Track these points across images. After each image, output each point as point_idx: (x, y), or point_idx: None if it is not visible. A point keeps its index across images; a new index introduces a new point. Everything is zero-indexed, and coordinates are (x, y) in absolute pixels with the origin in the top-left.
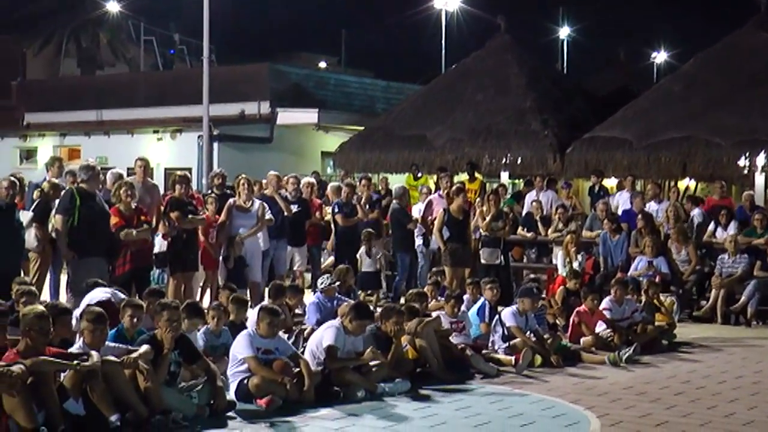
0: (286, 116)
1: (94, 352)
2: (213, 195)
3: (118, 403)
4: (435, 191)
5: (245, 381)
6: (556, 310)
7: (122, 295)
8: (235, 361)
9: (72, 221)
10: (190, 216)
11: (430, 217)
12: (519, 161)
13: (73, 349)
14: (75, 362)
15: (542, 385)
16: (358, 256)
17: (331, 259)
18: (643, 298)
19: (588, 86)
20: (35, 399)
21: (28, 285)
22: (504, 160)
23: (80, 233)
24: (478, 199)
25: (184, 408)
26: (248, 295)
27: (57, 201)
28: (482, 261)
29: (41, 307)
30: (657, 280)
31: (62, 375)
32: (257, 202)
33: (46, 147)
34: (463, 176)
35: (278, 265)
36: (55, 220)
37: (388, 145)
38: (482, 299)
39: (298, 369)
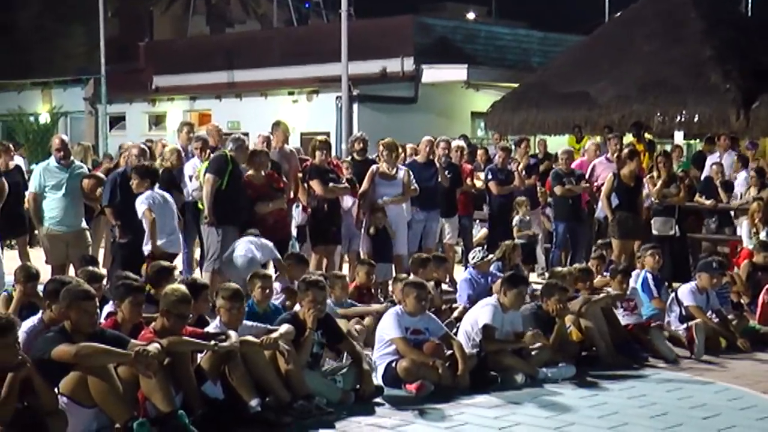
0: (432, 74)
1: (232, 332)
2: (349, 160)
3: (258, 386)
4: (600, 154)
5: (393, 364)
6: (742, 287)
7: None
8: (382, 343)
9: (221, 185)
10: (331, 185)
11: (595, 183)
12: (696, 119)
13: (210, 329)
14: (213, 343)
15: (727, 373)
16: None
17: (484, 230)
18: None
19: None
20: (173, 381)
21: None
22: (678, 118)
23: (225, 199)
24: (651, 163)
25: (328, 393)
26: (392, 269)
27: (184, 169)
28: (654, 232)
29: (184, 289)
30: None
31: (199, 356)
32: (402, 169)
33: (175, 111)
34: (630, 137)
35: (427, 238)
36: (205, 180)
37: (546, 104)
38: (642, 271)
39: (450, 351)
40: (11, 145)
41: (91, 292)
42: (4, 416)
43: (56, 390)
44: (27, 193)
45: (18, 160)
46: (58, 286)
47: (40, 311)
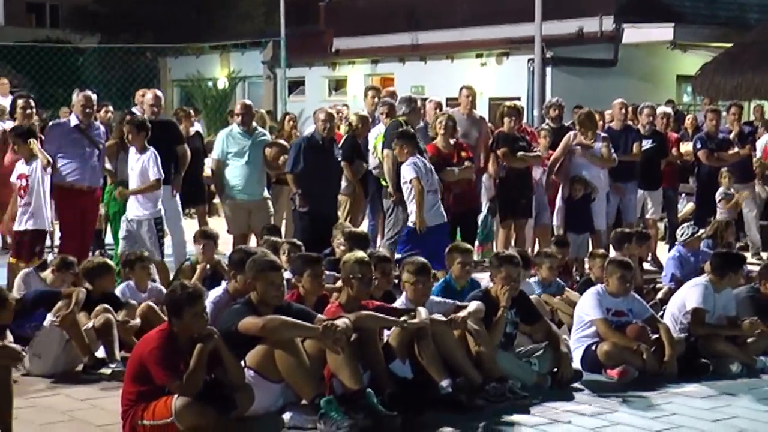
0: (634, 33)
1: (421, 309)
2: (547, 128)
3: (448, 367)
4: None
5: (593, 347)
6: None
7: None
8: (581, 324)
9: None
10: (521, 153)
11: None
12: None
13: (397, 305)
14: (402, 319)
15: None
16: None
17: (691, 205)
18: None
19: None
20: (360, 358)
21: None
22: None
23: None
24: None
25: (522, 376)
26: (588, 243)
27: (373, 135)
28: None
29: (362, 253)
30: None
31: (386, 333)
32: (602, 137)
33: (356, 76)
34: None
35: (626, 212)
36: (384, 156)
37: (764, 66)
38: None
39: (656, 335)
40: (191, 111)
41: (277, 262)
42: (192, 388)
43: (243, 363)
44: (208, 161)
45: (197, 127)
46: (244, 257)
47: (224, 282)
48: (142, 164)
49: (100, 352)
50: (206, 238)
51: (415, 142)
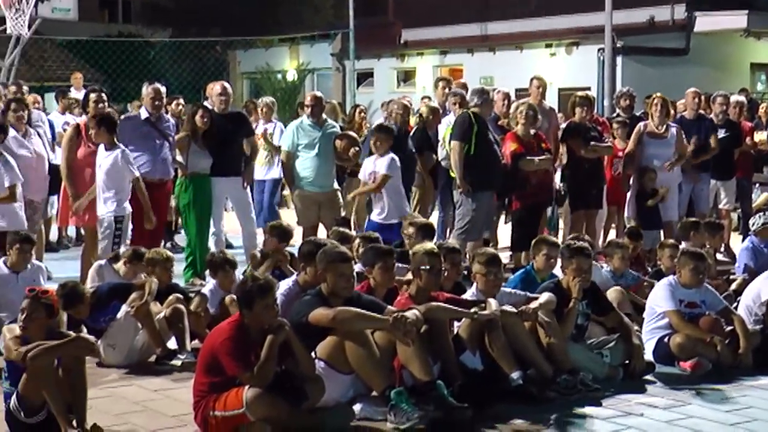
0: (707, 21)
1: (491, 300)
2: (619, 119)
3: (519, 358)
4: None
5: (666, 339)
6: None
7: None
8: (653, 315)
9: (468, 149)
10: (592, 144)
11: None
12: None
13: (467, 296)
14: (472, 311)
15: None
16: None
17: (765, 195)
18: None
19: None
20: (430, 350)
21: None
22: None
23: (476, 163)
24: None
25: (594, 368)
26: (661, 235)
27: (443, 127)
28: None
29: (431, 244)
30: None
31: (456, 324)
32: (674, 128)
33: (425, 67)
34: None
35: (699, 202)
36: (452, 147)
37: None
38: None
39: (731, 327)
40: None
41: (347, 254)
42: (263, 379)
43: (313, 355)
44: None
45: None
46: (314, 248)
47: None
48: (111, 160)
49: (172, 343)
50: (267, 232)
51: (391, 136)
